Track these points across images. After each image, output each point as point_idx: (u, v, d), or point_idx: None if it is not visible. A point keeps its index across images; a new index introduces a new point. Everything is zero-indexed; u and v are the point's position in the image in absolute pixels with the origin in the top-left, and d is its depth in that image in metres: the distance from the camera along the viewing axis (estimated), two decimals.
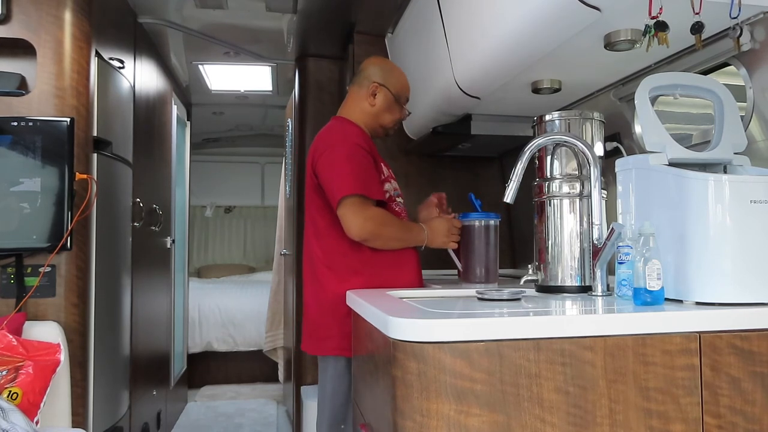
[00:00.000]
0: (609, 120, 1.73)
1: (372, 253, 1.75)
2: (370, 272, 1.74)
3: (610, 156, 1.69)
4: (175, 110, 3.89)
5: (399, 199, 1.90)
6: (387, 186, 1.84)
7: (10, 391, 1.72)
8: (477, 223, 1.90)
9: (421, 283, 1.87)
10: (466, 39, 1.86)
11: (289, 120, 3.93)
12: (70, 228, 1.98)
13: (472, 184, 3.01)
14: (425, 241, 1.82)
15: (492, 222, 1.91)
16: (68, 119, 2.01)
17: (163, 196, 3.49)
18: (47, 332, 1.94)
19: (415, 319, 1.01)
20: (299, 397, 3.17)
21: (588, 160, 1.43)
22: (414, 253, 1.86)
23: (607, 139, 1.61)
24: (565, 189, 1.49)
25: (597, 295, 1.37)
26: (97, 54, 2.23)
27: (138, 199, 2.82)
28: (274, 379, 4.61)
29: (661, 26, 1.29)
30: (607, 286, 1.39)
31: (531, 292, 1.54)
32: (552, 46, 1.57)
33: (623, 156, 1.45)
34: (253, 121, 5.44)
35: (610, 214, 1.49)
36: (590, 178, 1.43)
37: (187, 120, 4.54)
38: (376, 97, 1.86)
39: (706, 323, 1.07)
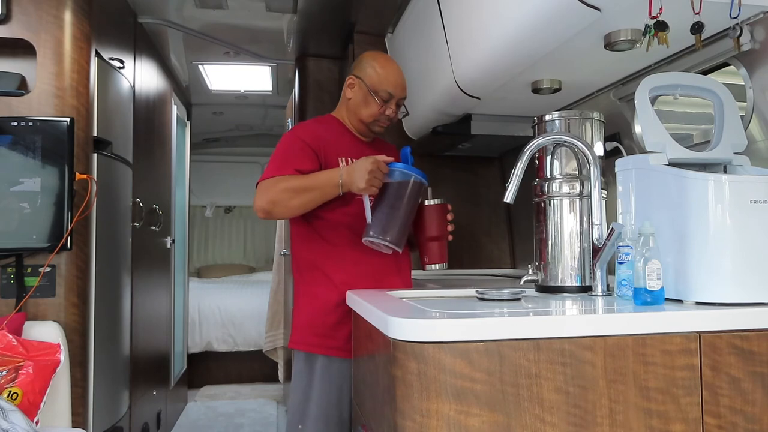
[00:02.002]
0: (609, 120, 1.73)
1: (326, 248, 1.72)
2: (327, 267, 1.71)
3: (610, 156, 1.69)
4: (175, 110, 3.89)
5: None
6: None
7: (10, 391, 1.72)
8: (399, 173, 1.62)
9: (397, 282, 1.78)
10: (466, 39, 1.86)
11: (289, 120, 3.93)
12: (70, 228, 1.98)
13: (472, 184, 3.01)
14: (339, 185, 1.59)
15: (414, 179, 1.62)
16: (68, 119, 2.01)
17: (163, 196, 3.49)
18: (47, 332, 1.94)
19: (415, 319, 1.00)
20: None
21: (588, 160, 1.43)
22: (378, 254, 1.72)
23: (607, 139, 1.61)
24: (565, 189, 1.49)
25: (597, 295, 1.37)
26: (97, 54, 2.23)
27: (138, 199, 2.82)
28: (274, 379, 4.61)
29: (661, 26, 1.29)
30: (607, 286, 1.39)
31: (531, 292, 1.54)
32: (552, 46, 1.57)
33: (623, 156, 1.45)
34: (253, 121, 5.44)
35: (610, 214, 1.49)
36: (590, 178, 1.43)
37: (187, 120, 4.54)
38: (352, 90, 1.79)
39: (706, 323, 1.06)
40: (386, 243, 1.61)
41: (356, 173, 1.57)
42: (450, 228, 1.77)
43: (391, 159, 1.63)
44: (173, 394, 3.85)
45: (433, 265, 1.76)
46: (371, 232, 1.61)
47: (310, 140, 1.70)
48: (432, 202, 1.76)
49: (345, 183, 1.59)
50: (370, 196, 1.62)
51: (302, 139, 1.71)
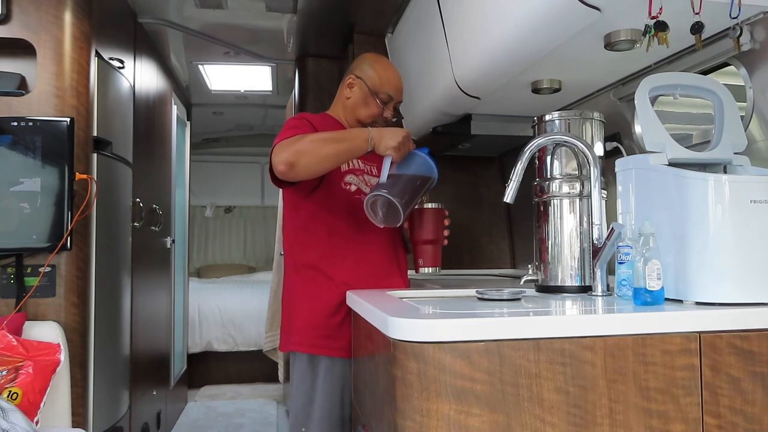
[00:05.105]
0: (609, 120, 1.73)
1: (326, 248, 1.70)
2: (327, 267, 1.69)
3: (610, 156, 1.69)
4: (175, 110, 3.89)
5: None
6: (350, 178, 1.74)
7: (10, 391, 1.73)
8: (423, 159, 1.62)
9: (398, 281, 1.78)
10: (467, 39, 1.86)
11: None
12: (70, 228, 1.98)
13: (472, 184, 3.01)
14: (368, 140, 1.55)
15: (433, 172, 1.64)
16: (68, 119, 2.01)
17: (163, 196, 3.49)
18: (47, 332, 1.94)
19: (415, 319, 1.00)
20: None
21: (588, 160, 1.43)
22: (375, 244, 1.73)
23: (607, 139, 1.61)
24: (565, 189, 1.49)
25: (597, 295, 1.37)
26: (97, 54, 2.23)
27: (138, 199, 2.82)
28: (274, 379, 4.61)
29: (661, 26, 1.29)
30: (607, 286, 1.39)
31: (531, 292, 1.54)
32: (552, 46, 1.57)
33: (623, 156, 1.45)
34: (253, 121, 5.44)
35: (610, 214, 1.49)
36: (590, 178, 1.43)
37: (187, 120, 4.54)
38: (352, 90, 1.79)
39: (706, 323, 1.06)
40: (395, 201, 1.54)
41: (388, 133, 1.57)
42: (446, 233, 1.78)
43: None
44: (173, 394, 3.85)
45: (426, 269, 1.76)
46: (380, 187, 1.56)
47: (317, 126, 1.70)
48: (431, 205, 1.76)
49: (374, 138, 1.56)
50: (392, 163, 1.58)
51: (311, 122, 1.70)
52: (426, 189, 1.66)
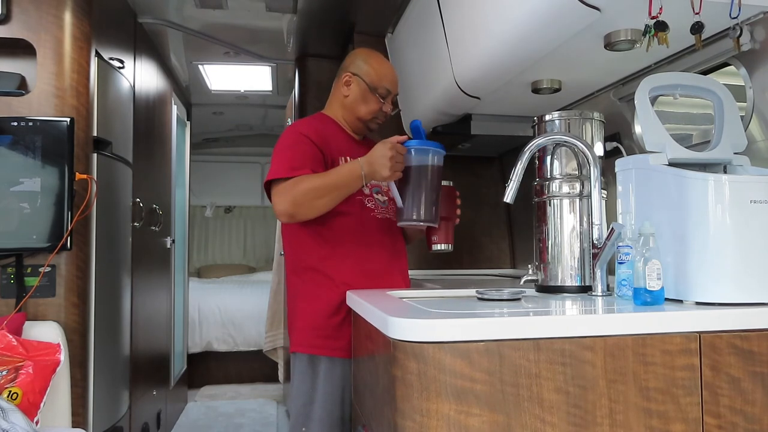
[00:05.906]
0: (609, 120, 1.73)
1: (326, 249, 1.70)
2: (328, 268, 1.69)
3: (610, 156, 1.69)
4: (175, 110, 3.89)
5: (376, 196, 1.76)
6: None
7: (10, 391, 1.73)
8: (417, 150, 1.60)
9: (398, 281, 1.78)
10: (466, 39, 1.86)
11: (289, 120, 3.93)
12: (70, 228, 1.98)
13: (472, 184, 3.01)
14: (362, 176, 1.57)
15: (432, 152, 1.61)
16: (68, 119, 2.01)
17: (163, 196, 3.49)
18: (47, 332, 1.94)
19: (415, 319, 1.00)
20: None
21: (588, 160, 1.43)
22: (375, 245, 1.73)
23: (607, 139, 1.61)
24: (565, 189, 1.49)
25: (597, 295, 1.37)
26: (97, 54, 2.23)
27: (138, 199, 2.82)
28: (274, 379, 4.61)
29: (661, 26, 1.29)
30: (607, 286, 1.39)
31: (531, 292, 1.54)
32: (552, 45, 1.57)
33: (623, 156, 1.45)
34: (253, 121, 5.44)
35: (610, 214, 1.49)
36: (590, 178, 1.43)
37: (187, 120, 4.54)
38: (349, 88, 1.79)
39: (706, 323, 1.06)
40: (422, 223, 1.61)
41: (377, 162, 1.55)
42: (458, 212, 1.78)
43: (404, 138, 1.61)
44: (173, 394, 3.85)
45: (439, 245, 1.75)
46: (406, 216, 1.60)
47: (315, 138, 1.68)
48: (442, 183, 1.74)
49: (368, 174, 1.57)
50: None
51: (308, 136, 1.68)
52: (441, 165, 1.65)
